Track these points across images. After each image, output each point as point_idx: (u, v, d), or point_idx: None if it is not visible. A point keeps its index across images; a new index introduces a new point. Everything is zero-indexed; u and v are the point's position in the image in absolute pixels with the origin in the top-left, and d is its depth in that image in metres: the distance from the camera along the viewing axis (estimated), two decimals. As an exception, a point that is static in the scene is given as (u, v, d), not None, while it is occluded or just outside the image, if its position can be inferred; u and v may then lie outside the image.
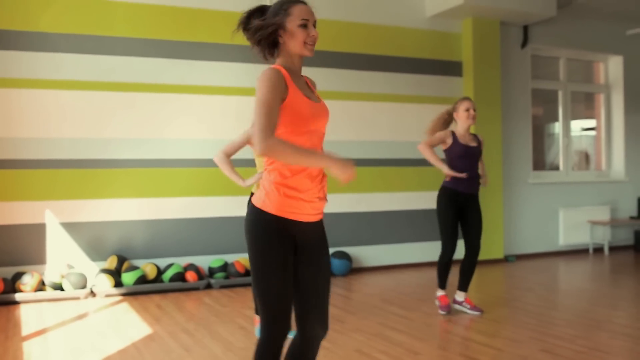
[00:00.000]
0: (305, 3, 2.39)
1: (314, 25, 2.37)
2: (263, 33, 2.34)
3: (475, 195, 5.24)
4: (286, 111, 2.26)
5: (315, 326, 2.40)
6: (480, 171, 5.31)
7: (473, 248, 5.21)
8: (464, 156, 5.12)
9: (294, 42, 2.34)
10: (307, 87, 2.45)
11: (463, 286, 5.30)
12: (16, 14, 6.15)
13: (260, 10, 2.44)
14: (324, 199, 2.41)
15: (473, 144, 5.20)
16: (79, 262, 6.36)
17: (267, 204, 2.31)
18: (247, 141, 4.32)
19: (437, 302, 5.35)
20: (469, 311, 5.27)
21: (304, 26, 2.33)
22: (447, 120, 5.31)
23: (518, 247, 8.63)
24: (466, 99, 5.20)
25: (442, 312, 5.23)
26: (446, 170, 5.09)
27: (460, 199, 5.15)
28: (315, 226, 2.42)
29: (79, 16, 6.37)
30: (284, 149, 2.14)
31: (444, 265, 5.22)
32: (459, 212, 5.18)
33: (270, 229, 2.31)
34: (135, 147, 6.57)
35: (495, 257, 8.23)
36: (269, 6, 2.42)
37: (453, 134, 5.17)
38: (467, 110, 5.13)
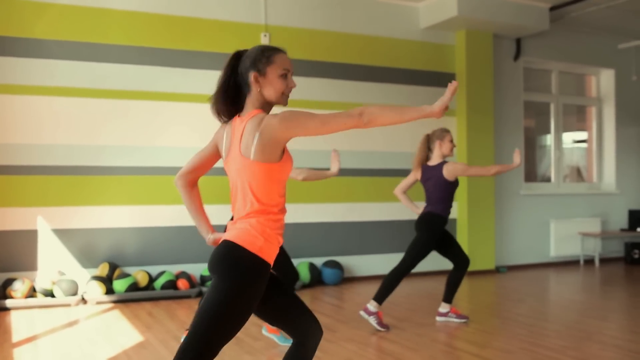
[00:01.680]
0: (285, 52, 2.36)
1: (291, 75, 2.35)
2: (240, 79, 2.33)
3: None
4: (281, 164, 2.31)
5: (317, 329, 2.43)
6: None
7: (465, 261, 5.22)
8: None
9: (271, 91, 2.31)
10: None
11: (449, 298, 5.31)
12: (11, 21, 6.16)
13: (237, 56, 2.39)
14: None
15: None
16: (70, 268, 6.34)
17: (265, 251, 2.25)
18: None
19: (374, 319, 5.05)
20: (455, 320, 5.28)
21: (284, 76, 2.31)
22: (427, 145, 5.26)
23: (509, 258, 8.66)
24: (449, 130, 5.22)
25: (382, 329, 5.02)
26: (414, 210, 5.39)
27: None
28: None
29: (73, 23, 6.38)
30: (382, 108, 2.30)
31: (398, 280, 5.13)
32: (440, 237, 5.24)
33: (263, 279, 2.24)
34: (128, 154, 6.57)
35: (487, 267, 8.26)
36: (244, 51, 2.40)
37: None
38: (451, 141, 5.16)
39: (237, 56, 2.39)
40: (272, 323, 2.44)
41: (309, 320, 2.42)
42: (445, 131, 5.18)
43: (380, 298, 5.07)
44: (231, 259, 2.23)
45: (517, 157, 5.03)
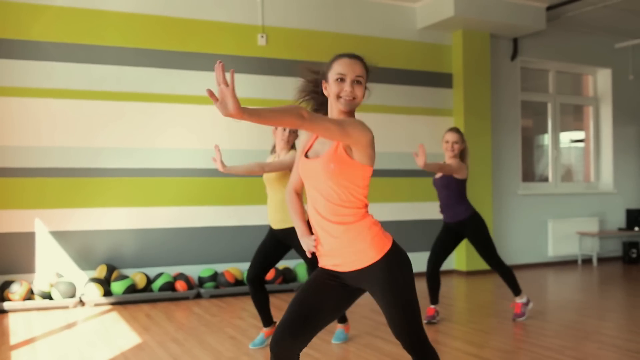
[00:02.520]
0: (350, 57, 2.47)
1: (359, 82, 2.43)
2: (314, 86, 2.54)
3: (463, 222, 5.25)
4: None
5: None
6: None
7: (490, 265, 5.31)
8: (436, 188, 5.36)
9: (331, 95, 2.44)
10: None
11: (513, 292, 5.39)
12: (7, 23, 6.15)
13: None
14: (329, 253, 2.47)
15: (438, 175, 5.31)
16: (68, 271, 6.34)
17: (386, 242, 2.43)
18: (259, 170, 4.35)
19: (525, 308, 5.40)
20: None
21: (341, 80, 2.41)
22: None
23: (507, 258, 8.66)
24: (450, 130, 5.25)
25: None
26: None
27: (450, 227, 5.32)
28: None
29: (70, 25, 6.38)
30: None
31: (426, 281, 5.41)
32: (453, 237, 5.34)
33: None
34: (125, 156, 6.56)
35: (485, 267, 8.25)
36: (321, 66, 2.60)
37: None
38: (447, 142, 5.21)
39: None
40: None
41: None
42: (446, 132, 5.30)
43: (517, 290, 5.32)
44: (394, 255, 2.43)
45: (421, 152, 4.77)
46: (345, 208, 2.39)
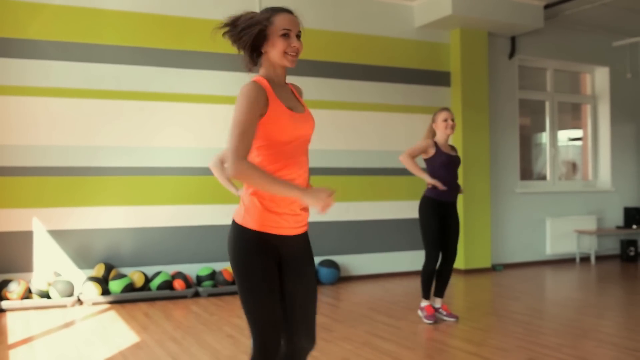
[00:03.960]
0: (290, 12, 2.35)
1: (298, 37, 2.33)
2: (246, 36, 2.28)
3: (455, 203, 5.33)
4: (268, 124, 2.22)
5: (301, 339, 2.38)
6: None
7: (451, 255, 5.31)
8: (447, 165, 5.21)
9: (274, 52, 2.30)
10: (292, 95, 2.42)
11: (439, 292, 5.37)
12: (5, 21, 6.14)
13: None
14: (307, 210, 2.38)
15: (453, 153, 5.30)
16: (66, 269, 6.33)
17: (248, 220, 2.28)
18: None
19: (421, 313, 5.32)
20: (445, 318, 5.30)
21: (286, 35, 2.29)
22: (433, 134, 5.36)
23: (505, 256, 8.67)
24: (444, 109, 5.27)
25: (428, 322, 5.24)
26: (429, 180, 5.16)
27: (442, 208, 5.24)
28: (299, 239, 2.38)
29: (68, 24, 6.37)
30: (254, 174, 2.11)
31: (428, 274, 5.25)
32: (441, 221, 5.26)
33: (252, 246, 2.27)
34: (123, 155, 6.55)
35: (483, 266, 8.27)
36: (256, 13, 2.39)
37: (435, 143, 5.24)
38: (445, 120, 5.20)
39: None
40: None
41: (301, 333, 2.40)
42: (437, 112, 5.31)
43: (436, 292, 5.39)
44: (228, 234, 2.38)
45: (442, 187, 5.15)
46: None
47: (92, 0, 6.46)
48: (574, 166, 10.03)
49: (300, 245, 2.39)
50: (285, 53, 2.29)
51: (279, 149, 2.26)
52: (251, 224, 2.27)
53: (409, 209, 7.90)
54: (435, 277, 5.33)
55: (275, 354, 2.30)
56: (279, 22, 2.29)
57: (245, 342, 4.59)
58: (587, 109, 9.88)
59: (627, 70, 9.73)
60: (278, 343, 2.31)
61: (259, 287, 2.25)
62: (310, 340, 2.41)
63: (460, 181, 7.60)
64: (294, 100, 2.40)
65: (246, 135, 2.15)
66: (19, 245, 6.18)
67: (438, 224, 5.21)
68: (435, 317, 5.26)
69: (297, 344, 2.38)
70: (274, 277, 2.29)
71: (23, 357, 4.26)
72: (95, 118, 6.46)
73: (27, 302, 5.87)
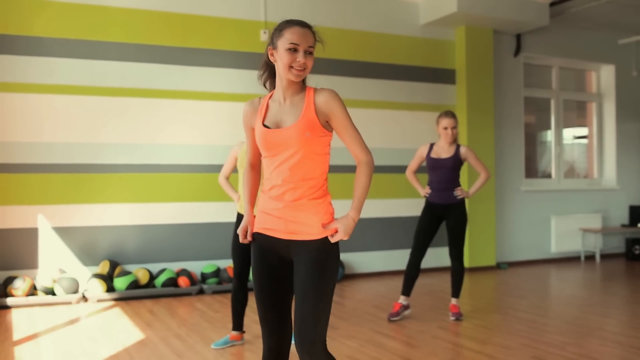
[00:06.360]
0: (304, 26, 2.33)
1: (310, 52, 2.32)
2: (265, 56, 2.43)
3: (454, 205, 5.25)
4: (255, 136, 2.45)
5: (293, 334, 2.44)
6: (477, 183, 5.32)
7: (452, 255, 5.30)
8: (432, 168, 5.29)
9: (280, 64, 2.32)
10: (292, 109, 2.36)
11: (452, 292, 5.36)
12: (10, 18, 6.15)
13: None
14: (292, 221, 2.36)
15: (445, 155, 5.24)
16: (71, 266, 6.34)
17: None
18: (235, 158, 4.56)
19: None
20: (450, 318, 5.31)
21: (293, 50, 2.29)
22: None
23: (510, 255, 8.66)
24: (446, 115, 5.22)
25: (390, 318, 5.21)
26: (421, 192, 5.41)
27: (436, 209, 5.29)
28: (301, 245, 2.39)
29: (72, 21, 6.37)
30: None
31: (406, 271, 5.32)
32: (436, 222, 5.31)
33: (253, 247, 2.47)
34: (128, 152, 6.56)
35: (488, 264, 8.25)
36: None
37: (430, 146, 5.35)
38: (445, 128, 5.21)
39: None
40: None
41: (294, 329, 2.45)
42: (440, 117, 5.30)
43: (457, 292, 5.37)
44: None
45: (424, 191, 5.38)
46: (311, 179, 2.37)
47: (97, -3, 6.47)
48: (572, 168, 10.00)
49: (304, 252, 2.47)
50: (290, 67, 2.31)
51: (265, 158, 2.41)
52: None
53: (414, 207, 7.89)
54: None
55: (278, 350, 2.49)
56: (288, 36, 2.30)
57: (248, 339, 4.59)
58: (593, 107, 9.85)
59: (632, 68, 9.70)
60: (277, 342, 2.50)
61: (256, 291, 2.49)
62: (301, 342, 2.40)
63: (464, 182, 7.60)
64: (289, 114, 2.36)
65: (249, 146, 2.54)
66: (24, 242, 6.19)
67: (427, 226, 5.29)
68: (397, 314, 5.22)
69: (295, 337, 2.44)
70: (266, 281, 2.46)
71: (28, 354, 4.27)
72: (100, 115, 6.46)
73: (32, 299, 5.88)
